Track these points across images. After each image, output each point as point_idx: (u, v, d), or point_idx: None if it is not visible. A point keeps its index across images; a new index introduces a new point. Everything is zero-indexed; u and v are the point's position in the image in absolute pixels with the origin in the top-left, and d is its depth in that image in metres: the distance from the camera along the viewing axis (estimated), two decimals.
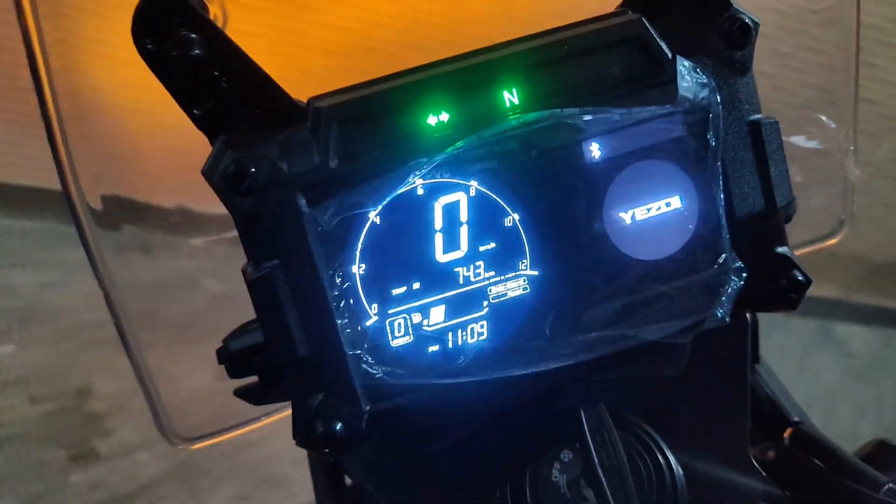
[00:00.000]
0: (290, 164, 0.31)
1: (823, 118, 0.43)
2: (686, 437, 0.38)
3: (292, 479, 1.78)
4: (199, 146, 0.32)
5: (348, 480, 0.46)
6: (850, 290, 2.94)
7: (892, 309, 3.03)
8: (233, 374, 0.37)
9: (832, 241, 0.46)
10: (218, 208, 0.31)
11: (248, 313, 0.34)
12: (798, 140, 0.44)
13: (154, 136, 0.46)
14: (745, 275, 0.34)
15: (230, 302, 0.39)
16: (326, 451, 0.32)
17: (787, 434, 0.41)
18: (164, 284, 0.50)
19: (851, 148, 0.44)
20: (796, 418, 0.41)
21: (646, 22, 0.32)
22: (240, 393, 0.39)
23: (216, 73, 0.31)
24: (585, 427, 0.33)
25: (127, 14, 0.30)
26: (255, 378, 0.36)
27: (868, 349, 2.36)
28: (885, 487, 0.35)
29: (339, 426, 0.32)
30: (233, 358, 0.36)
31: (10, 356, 1.69)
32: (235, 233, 0.32)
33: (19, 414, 1.62)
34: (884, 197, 2.55)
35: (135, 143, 0.47)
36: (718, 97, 0.33)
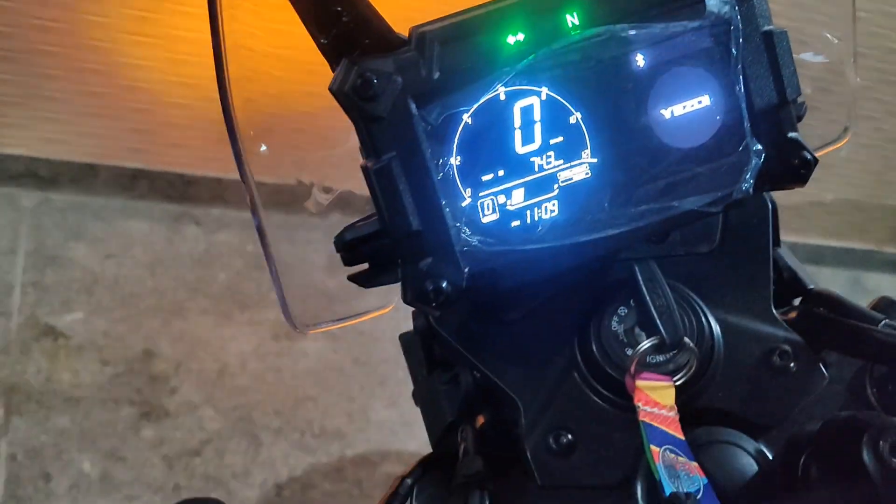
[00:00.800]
0: (402, 77, 0.39)
1: (827, 34, 0.51)
2: (719, 299, 0.47)
3: (346, 431, 1.89)
4: None
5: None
6: (881, 242, 2.98)
7: None
8: (347, 261, 0.46)
9: (840, 144, 0.53)
10: None
11: None
12: (806, 56, 0.51)
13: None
14: (763, 155, 0.42)
15: None
16: (435, 305, 0.41)
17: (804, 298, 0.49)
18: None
19: (852, 60, 0.51)
20: (811, 285, 0.50)
21: None
22: (353, 278, 0.48)
23: (338, 9, 0.40)
24: (639, 276, 0.42)
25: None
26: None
27: None
28: (882, 322, 0.43)
29: (444, 283, 0.41)
30: (348, 246, 0.45)
31: (79, 322, 1.82)
32: None
33: (91, 375, 1.74)
34: None
35: None
36: (738, 13, 0.41)
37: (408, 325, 0.64)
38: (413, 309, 0.55)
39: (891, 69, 2.31)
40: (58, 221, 1.99)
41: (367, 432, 1.89)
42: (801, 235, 2.83)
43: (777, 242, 0.52)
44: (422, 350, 0.55)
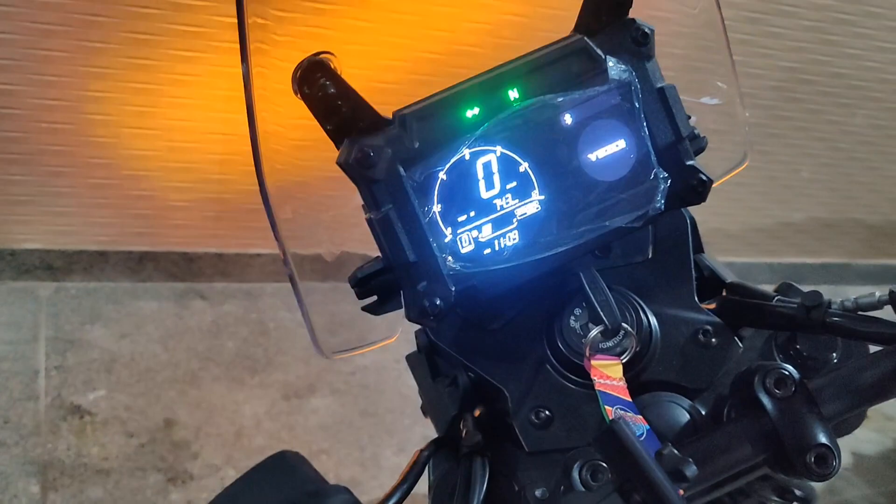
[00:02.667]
0: (391, 148, 0.53)
1: (719, 83, 0.64)
2: (655, 296, 0.59)
3: (361, 479, 1.98)
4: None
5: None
6: (854, 255, 3.12)
7: (894, 265, 3.21)
8: (360, 295, 0.59)
9: (742, 168, 0.66)
10: None
11: None
12: (705, 99, 0.65)
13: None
14: (669, 180, 0.55)
15: None
16: (432, 318, 0.54)
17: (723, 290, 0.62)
18: None
19: (739, 97, 0.65)
20: (728, 279, 0.63)
21: (587, 39, 0.54)
22: (366, 308, 0.60)
23: (339, 103, 0.53)
24: (584, 280, 0.55)
25: None
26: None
27: None
28: (775, 298, 0.56)
29: (437, 301, 0.53)
30: (360, 282, 0.57)
31: (102, 399, 1.92)
32: None
33: (118, 447, 1.84)
34: (868, 166, 2.74)
35: None
36: (636, 76, 0.54)
37: (408, 376, 0.76)
38: (415, 334, 0.68)
39: (837, 92, 2.49)
40: (74, 307, 2.11)
41: (381, 478, 1.98)
42: (778, 256, 2.98)
43: (699, 249, 0.64)
44: (426, 362, 0.66)
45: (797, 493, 0.62)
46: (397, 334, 0.69)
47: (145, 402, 1.96)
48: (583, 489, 0.48)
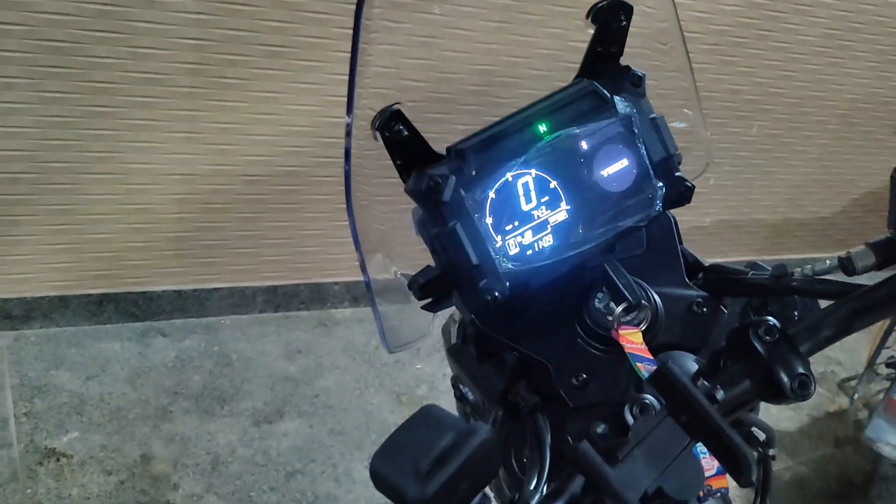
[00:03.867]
0: (454, 175, 0.67)
1: (686, 110, 0.81)
2: (654, 279, 0.75)
3: (336, 494, 2.07)
4: None
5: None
6: (758, 252, 3.41)
7: (793, 259, 3.52)
8: (420, 296, 0.72)
9: (703, 174, 0.83)
10: None
11: None
12: (676, 124, 0.82)
13: None
14: (663, 188, 0.71)
15: None
16: (493, 307, 0.67)
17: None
18: None
19: (702, 120, 0.82)
20: (707, 262, 0.79)
21: (596, 83, 0.70)
22: (425, 307, 0.74)
23: (408, 143, 0.67)
24: (609, 269, 0.70)
25: None
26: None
27: None
28: (750, 272, 0.73)
29: (497, 293, 0.67)
30: (421, 286, 0.71)
31: (76, 440, 1.96)
32: None
33: (98, 486, 1.89)
34: (766, 171, 3.03)
35: None
36: (635, 110, 0.71)
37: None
38: (460, 328, 0.81)
39: (735, 106, 2.75)
40: (36, 354, 2.14)
41: (355, 492, 2.08)
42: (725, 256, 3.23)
43: (681, 242, 0.81)
44: (473, 350, 0.80)
45: (760, 438, 0.79)
46: (430, 332, 0.83)
47: (120, 439, 2.00)
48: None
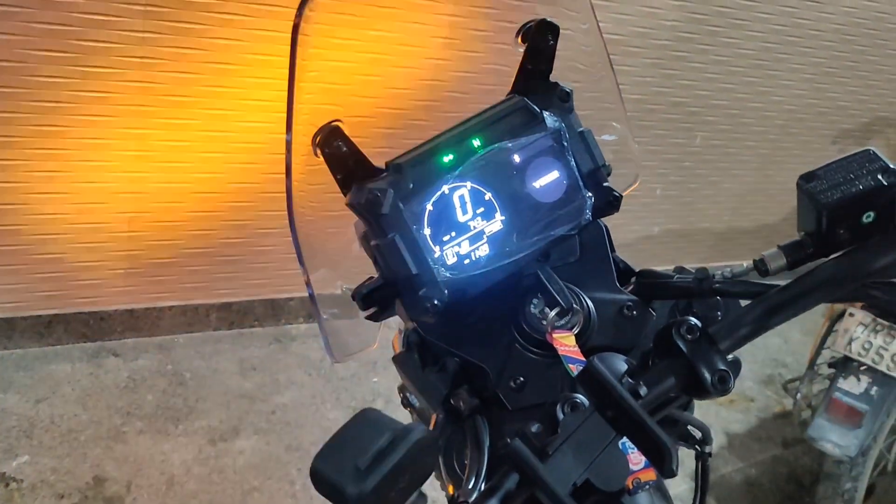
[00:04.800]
0: (392, 189, 0.70)
1: (614, 124, 0.86)
2: (587, 285, 0.79)
3: None
4: None
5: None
6: (706, 260, 3.50)
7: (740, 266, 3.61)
8: (363, 307, 0.75)
9: (634, 187, 0.87)
10: None
11: None
12: (605, 137, 0.86)
13: None
14: (592, 198, 0.75)
15: None
16: (432, 315, 0.70)
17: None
18: None
19: (630, 134, 0.86)
20: (637, 269, 0.83)
21: (526, 99, 0.74)
22: (369, 317, 0.77)
23: (348, 158, 0.70)
24: (542, 276, 0.74)
25: None
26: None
27: None
28: (675, 276, 0.77)
29: (436, 301, 0.70)
30: (364, 297, 0.74)
31: (26, 464, 1.93)
32: None
33: None
34: (710, 180, 3.11)
35: None
36: (563, 124, 0.74)
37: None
38: (404, 336, 0.83)
39: (678, 118, 2.83)
40: None
41: None
42: (642, 266, 3.31)
43: (612, 249, 0.85)
44: (417, 357, 0.82)
45: (696, 436, 0.83)
46: (377, 343, 0.85)
47: (71, 462, 1.98)
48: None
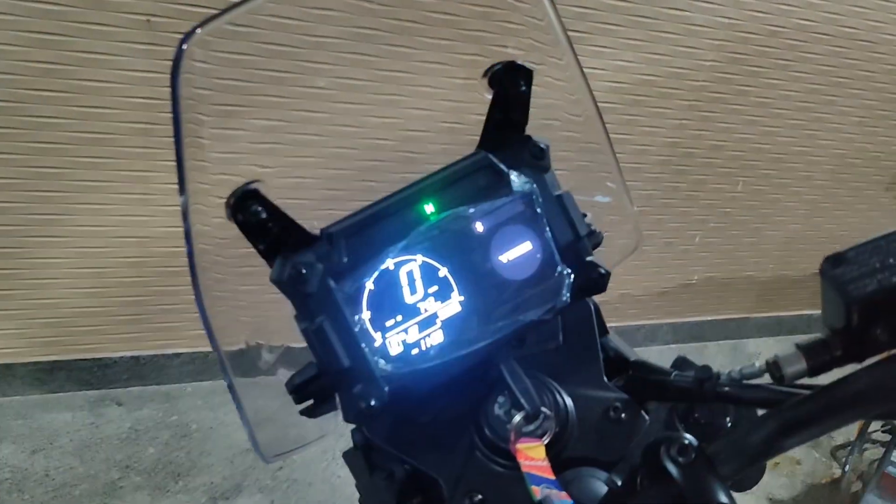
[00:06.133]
0: (322, 264, 0.58)
1: (609, 183, 0.73)
2: (568, 378, 0.66)
3: None
4: None
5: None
6: (750, 310, 3.31)
7: (787, 317, 3.41)
8: (297, 401, 0.62)
9: (636, 250, 0.74)
10: None
11: None
12: (599, 197, 0.73)
13: None
14: (572, 275, 0.62)
15: None
16: (368, 417, 0.58)
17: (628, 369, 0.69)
18: None
19: (626, 194, 0.73)
20: (632, 358, 0.69)
21: (490, 156, 0.61)
22: (303, 412, 0.64)
23: (270, 225, 0.58)
24: (504, 371, 0.60)
25: None
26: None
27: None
28: (673, 374, 0.63)
29: (372, 401, 0.57)
30: (297, 388, 0.61)
31: None
32: None
33: None
34: (753, 227, 2.94)
35: None
36: (536, 186, 0.62)
37: (335, 466, 0.78)
38: (351, 433, 0.71)
39: (718, 162, 2.68)
40: None
41: None
42: (680, 316, 3.13)
43: (604, 332, 0.71)
44: (363, 459, 0.70)
45: None
46: (330, 432, 0.73)
47: None
48: None
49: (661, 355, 3.21)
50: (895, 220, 3.13)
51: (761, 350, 3.42)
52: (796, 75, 2.52)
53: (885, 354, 0.50)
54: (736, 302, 3.22)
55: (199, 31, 0.54)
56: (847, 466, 2.12)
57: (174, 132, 0.55)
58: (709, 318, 3.18)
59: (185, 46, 0.53)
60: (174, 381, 2.32)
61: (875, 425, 2.19)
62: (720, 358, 3.26)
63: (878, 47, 2.54)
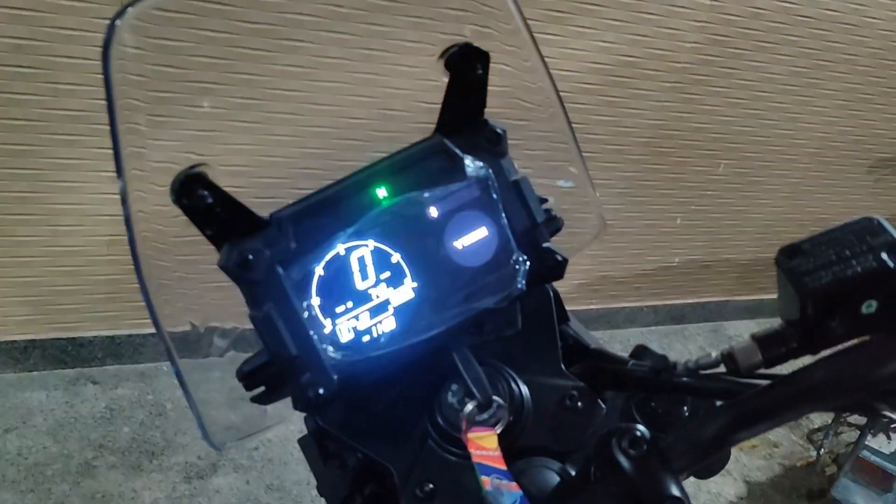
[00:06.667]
0: (270, 250, 0.56)
1: (570, 167, 0.71)
2: (525, 366, 0.65)
3: None
4: None
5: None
6: (730, 292, 3.32)
7: (767, 300, 3.42)
8: (248, 387, 0.61)
9: (598, 237, 0.73)
10: None
11: None
12: (561, 182, 0.71)
13: None
14: (528, 262, 0.61)
15: None
16: (317, 406, 0.57)
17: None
18: None
19: (588, 179, 0.72)
20: (591, 345, 0.69)
21: (445, 139, 0.60)
22: (254, 399, 0.63)
23: (217, 210, 0.57)
24: (456, 359, 0.59)
25: None
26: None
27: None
28: (630, 363, 0.62)
29: (321, 390, 0.56)
30: (247, 375, 0.60)
31: None
32: None
33: None
34: (734, 209, 2.94)
35: None
36: (492, 171, 0.60)
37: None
38: (304, 419, 0.70)
39: (700, 144, 2.67)
40: None
41: None
42: (661, 298, 3.14)
43: (564, 319, 0.70)
44: (316, 446, 0.69)
45: None
46: (285, 419, 0.72)
47: (34, 498, 1.87)
48: None
49: (641, 337, 3.20)
50: (876, 202, 3.14)
51: (741, 332, 3.43)
52: (779, 58, 2.51)
53: (840, 347, 0.49)
54: (717, 284, 3.23)
55: (129, 9, 0.52)
56: (823, 449, 2.14)
57: (108, 113, 0.54)
58: (690, 301, 3.19)
59: (117, 23, 0.51)
60: (150, 360, 2.31)
61: None
62: (700, 340, 3.28)
63: (860, 30, 2.54)
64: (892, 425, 1.88)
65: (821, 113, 2.75)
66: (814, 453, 2.60)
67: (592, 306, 2.85)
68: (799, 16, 2.42)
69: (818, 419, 2.84)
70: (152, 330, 1.90)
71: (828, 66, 2.61)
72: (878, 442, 1.91)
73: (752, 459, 2.68)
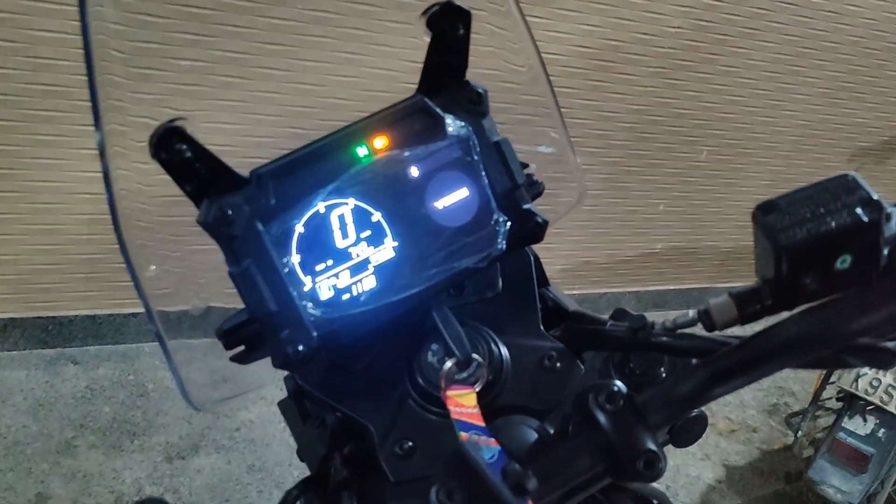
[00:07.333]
0: (249, 206, 0.56)
1: (553, 133, 0.72)
2: (505, 327, 0.65)
3: None
4: None
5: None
6: (712, 279, 3.34)
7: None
8: (227, 346, 0.61)
9: (579, 204, 0.73)
10: None
11: None
12: (542, 148, 0.72)
13: None
14: (508, 223, 0.61)
15: None
16: (296, 363, 0.57)
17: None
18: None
19: (569, 145, 0.72)
20: (571, 308, 0.69)
21: (426, 99, 0.60)
22: (234, 358, 0.63)
23: (196, 166, 0.56)
24: (436, 317, 0.60)
25: None
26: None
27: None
28: (609, 323, 0.62)
29: (301, 346, 0.56)
30: (226, 334, 0.60)
31: None
32: None
33: None
34: (716, 196, 2.96)
35: None
36: (473, 131, 0.60)
37: (287, 430, 0.78)
38: (283, 380, 0.70)
39: (683, 130, 2.68)
40: None
41: None
42: (643, 284, 3.16)
43: (544, 283, 0.71)
44: (295, 406, 0.69)
45: (654, 502, 0.68)
46: (266, 382, 0.72)
47: (14, 477, 1.86)
48: None
49: None
50: None
51: None
52: (762, 44, 2.52)
53: (814, 303, 0.50)
54: (699, 271, 3.26)
55: None
56: (800, 432, 2.16)
57: (86, 61, 0.53)
58: (672, 287, 3.21)
59: None
60: (131, 340, 2.30)
61: (828, 393, 2.23)
62: None
63: (842, 18, 2.55)
64: (868, 407, 1.90)
65: (803, 101, 2.77)
66: (791, 438, 2.63)
67: (575, 292, 2.87)
68: (782, 2, 2.43)
69: (798, 404, 2.87)
70: (134, 310, 1.91)
71: (810, 53, 2.63)
72: (854, 424, 1.93)
73: (730, 444, 2.71)
